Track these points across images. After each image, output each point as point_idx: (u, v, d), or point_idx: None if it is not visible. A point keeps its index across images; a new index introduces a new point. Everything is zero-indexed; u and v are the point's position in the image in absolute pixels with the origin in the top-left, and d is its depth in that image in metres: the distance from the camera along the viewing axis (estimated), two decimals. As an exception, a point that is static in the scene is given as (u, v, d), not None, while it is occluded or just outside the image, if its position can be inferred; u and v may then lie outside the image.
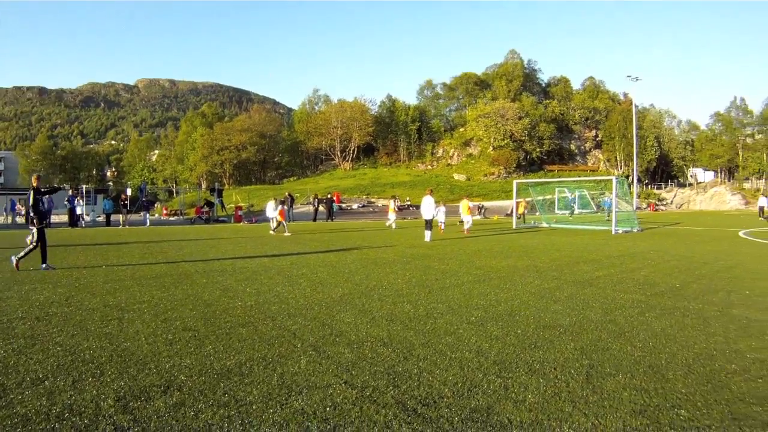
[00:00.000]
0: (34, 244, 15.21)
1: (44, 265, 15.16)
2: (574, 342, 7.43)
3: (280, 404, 5.13)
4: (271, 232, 33.10)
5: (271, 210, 33.80)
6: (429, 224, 27.00)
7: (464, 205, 34.63)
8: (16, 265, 15.03)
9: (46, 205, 15.87)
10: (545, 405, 5.18)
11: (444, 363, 6.46)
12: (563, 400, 5.31)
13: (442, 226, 32.89)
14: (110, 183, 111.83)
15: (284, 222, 32.94)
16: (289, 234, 31.15)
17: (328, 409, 5.04)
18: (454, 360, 6.58)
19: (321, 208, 54.64)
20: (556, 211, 63.26)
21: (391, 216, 40.55)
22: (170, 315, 8.99)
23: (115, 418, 4.82)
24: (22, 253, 15.12)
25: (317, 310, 9.52)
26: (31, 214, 15.40)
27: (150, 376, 5.87)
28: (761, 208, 50.21)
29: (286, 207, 37.39)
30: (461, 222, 33.98)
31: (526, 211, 47.57)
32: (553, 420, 4.85)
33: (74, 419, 4.81)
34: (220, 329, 8.01)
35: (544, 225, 42.66)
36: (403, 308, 9.78)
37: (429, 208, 27.58)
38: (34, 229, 15.21)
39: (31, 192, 15.46)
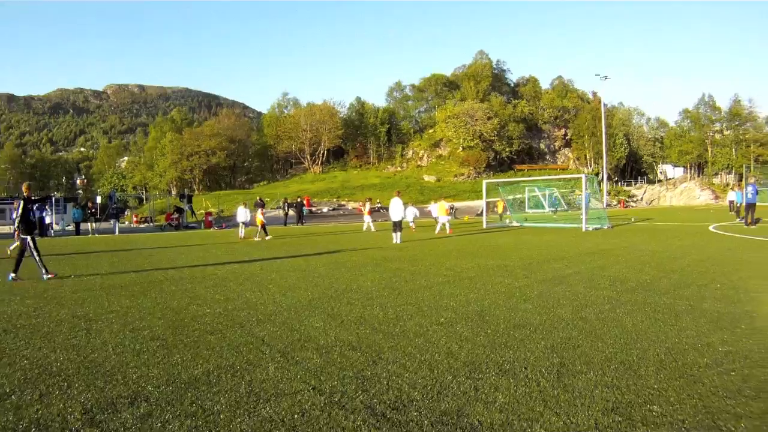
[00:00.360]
0: (36, 252, 15.23)
1: (13, 275, 14.95)
2: (545, 340, 7.43)
3: (247, 413, 5.06)
4: (240, 237, 32.78)
5: (242, 215, 33.55)
6: (398, 226, 27.22)
7: (441, 206, 35.06)
8: (49, 275, 15.13)
9: (36, 215, 15.70)
10: (516, 405, 5.14)
11: (413, 366, 6.44)
12: (534, 399, 5.28)
13: (413, 225, 33.15)
14: (80, 191, 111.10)
15: (261, 227, 32.87)
16: (259, 239, 31.34)
17: (296, 416, 4.98)
18: (424, 362, 6.56)
19: (291, 212, 54.68)
20: (527, 209, 63.56)
21: (367, 218, 40.68)
22: (138, 324, 8.92)
23: (81, 431, 4.74)
24: (42, 269, 15.18)
25: (286, 316, 9.50)
26: (17, 224, 15.43)
27: (117, 388, 5.79)
28: (731, 203, 50.67)
29: (264, 210, 36.83)
30: (443, 224, 34.26)
31: (503, 211, 48.13)
32: (524, 420, 4.81)
33: (40, 434, 4.70)
34: (188, 338, 7.95)
35: (515, 224, 42.90)
36: (372, 311, 9.77)
37: (398, 209, 27.84)
38: (28, 238, 15.20)
39: (22, 201, 15.26)
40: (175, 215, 52.95)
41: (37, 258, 15.26)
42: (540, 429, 4.63)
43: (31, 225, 15.54)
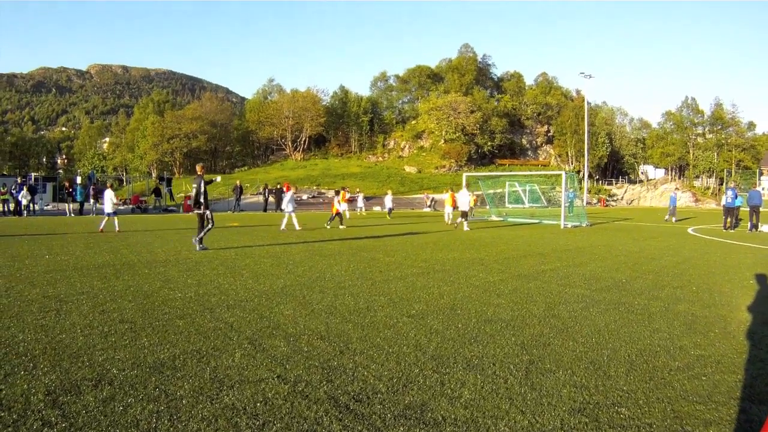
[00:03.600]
0: (211, 224, 17.92)
1: (201, 245, 17.94)
2: (515, 337, 7.43)
3: (210, 399, 5.05)
4: (285, 227, 28.60)
5: (288, 203, 28.98)
6: (465, 214, 31.21)
7: (450, 197, 36.52)
8: (200, 246, 17.93)
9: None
10: (481, 402, 5.13)
11: (380, 357, 6.43)
12: (500, 396, 5.26)
13: (358, 211, 33.12)
14: (60, 171, 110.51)
15: (336, 214, 31.82)
16: (329, 227, 30.82)
17: (258, 404, 4.97)
18: (391, 354, 6.56)
19: (271, 198, 54.23)
20: (507, 204, 63.58)
21: (343, 206, 39.93)
22: (108, 306, 8.87)
23: (44, 413, 4.70)
24: (201, 234, 17.93)
25: (257, 302, 9.50)
26: (201, 200, 17.80)
27: (82, 370, 5.76)
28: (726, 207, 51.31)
29: (340, 197, 33.96)
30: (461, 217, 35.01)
31: (476, 205, 47.68)
32: (488, 417, 4.79)
33: (2, 414, 4.69)
34: (157, 321, 7.92)
35: (494, 218, 42.98)
36: (343, 300, 9.80)
37: (464, 199, 31.63)
38: (208, 212, 17.84)
39: (201, 180, 17.73)
40: (143, 198, 52.88)
41: (208, 228, 17.92)
42: (504, 427, 4.61)
43: (208, 201, 17.97)
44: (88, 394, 5.11)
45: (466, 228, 30.04)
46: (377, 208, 59.77)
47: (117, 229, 25.20)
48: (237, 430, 4.45)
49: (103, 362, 6.02)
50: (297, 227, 28.03)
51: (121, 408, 4.82)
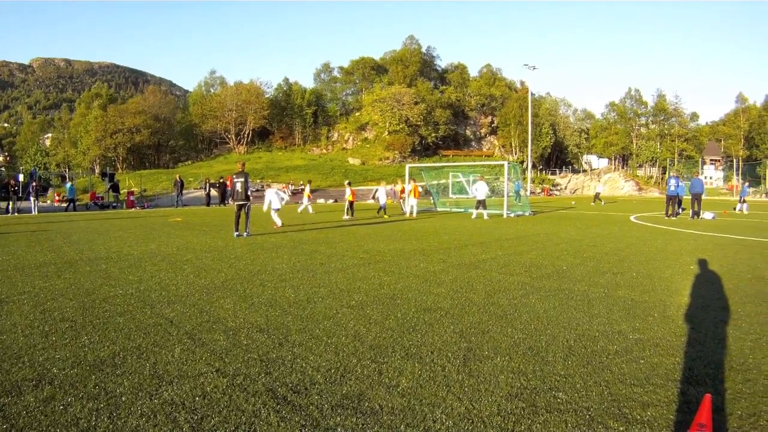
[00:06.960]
0: (248, 216, 21.03)
1: (247, 233, 20.77)
2: (454, 325, 7.52)
3: (149, 395, 5.03)
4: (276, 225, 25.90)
5: (275, 200, 26.36)
6: (483, 204, 32.24)
7: (414, 188, 35.54)
8: (246, 233, 20.80)
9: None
10: (419, 390, 5.19)
11: (319, 348, 6.48)
12: (438, 384, 5.33)
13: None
14: (2, 168, 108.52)
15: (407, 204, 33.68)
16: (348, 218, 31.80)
17: (197, 398, 4.98)
18: (330, 345, 6.61)
19: (214, 192, 54.06)
20: (451, 195, 63.69)
21: (305, 200, 38.75)
22: (50, 305, 8.78)
23: (-17, 414, 4.64)
24: (248, 226, 21.05)
25: (197, 297, 9.50)
26: (248, 194, 21.11)
27: (23, 370, 5.72)
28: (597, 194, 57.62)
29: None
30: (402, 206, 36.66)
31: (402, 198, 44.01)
32: (425, 405, 4.84)
33: (-58, 417, 4.61)
34: (97, 319, 7.86)
35: (437, 209, 43.05)
36: (284, 293, 9.84)
37: (483, 189, 32.25)
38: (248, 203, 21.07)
39: (247, 176, 21.24)
40: (102, 194, 52.30)
41: (249, 219, 21.16)
42: (441, 414, 4.66)
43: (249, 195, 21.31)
44: (29, 394, 5.08)
45: (486, 217, 31.70)
46: (321, 200, 59.78)
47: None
48: (176, 425, 4.47)
49: (44, 362, 5.98)
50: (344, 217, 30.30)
51: (61, 407, 4.79)
